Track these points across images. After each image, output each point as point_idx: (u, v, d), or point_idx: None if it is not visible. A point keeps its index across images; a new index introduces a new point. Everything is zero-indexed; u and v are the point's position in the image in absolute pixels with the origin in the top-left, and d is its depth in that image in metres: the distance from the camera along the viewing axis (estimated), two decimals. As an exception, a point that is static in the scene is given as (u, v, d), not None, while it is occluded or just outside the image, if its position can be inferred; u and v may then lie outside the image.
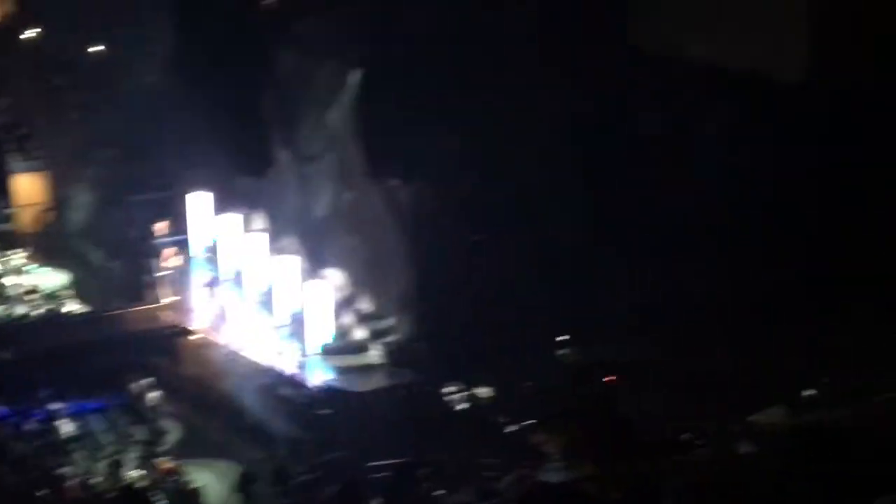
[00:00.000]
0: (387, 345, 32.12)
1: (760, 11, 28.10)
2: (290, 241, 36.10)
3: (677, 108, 28.24)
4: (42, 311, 36.76)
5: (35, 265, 39.37)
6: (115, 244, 39.17)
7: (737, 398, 23.47)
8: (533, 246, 29.62)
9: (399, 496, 15.44)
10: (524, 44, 29.21)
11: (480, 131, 28.31)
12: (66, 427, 31.93)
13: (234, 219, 36.10)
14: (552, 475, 12.59)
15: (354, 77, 31.42)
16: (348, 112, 31.99)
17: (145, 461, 30.46)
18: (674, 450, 15.93)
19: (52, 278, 38.53)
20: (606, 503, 10.26)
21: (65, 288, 37.97)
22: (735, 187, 27.86)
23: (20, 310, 36.41)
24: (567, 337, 29.14)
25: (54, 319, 36.60)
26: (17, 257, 38.91)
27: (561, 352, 29.34)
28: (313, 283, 32.59)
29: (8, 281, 37.23)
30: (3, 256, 38.42)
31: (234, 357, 34.13)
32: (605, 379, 27.80)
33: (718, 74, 27.44)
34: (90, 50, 41.54)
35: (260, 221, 36.23)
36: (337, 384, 31.33)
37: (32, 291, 37.24)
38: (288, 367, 32.23)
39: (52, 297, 37.15)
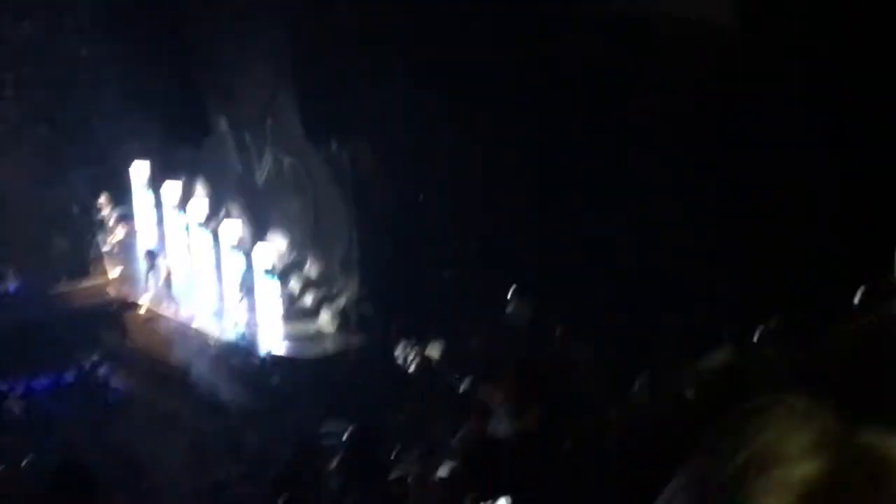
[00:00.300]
0: (334, 309, 31.92)
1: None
2: (232, 207, 35.86)
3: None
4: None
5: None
6: (57, 220, 38.72)
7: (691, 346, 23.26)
8: (479, 201, 29.44)
9: (353, 461, 15.32)
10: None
11: (421, 86, 28.00)
12: (17, 407, 31.73)
13: (175, 188, 35.84)
14: (499, 429, 12.43)
15: (290, 39, 31.06)
16: (284, 75, 31.65)
17: (94, 438, 30.35)
18: (619, 400, 15.81)
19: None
20: (551, 454, 10.11)
21: (8, 266, 37.50)
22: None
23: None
24: (515, 292, 28.97)
25: (-2, 299, 36.27)
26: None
27: (510, 308, 29.21)
28: (258, 250, 32.33)
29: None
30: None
31: (182, 329, 33.97)
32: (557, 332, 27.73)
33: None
34: (19, 24, 40.86)
35: (201, 189, 35.94)
36: (287, 352, 31.21)
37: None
38: (237, 336, 32.03)
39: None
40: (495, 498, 8.73)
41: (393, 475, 11.46)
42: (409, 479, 11.41)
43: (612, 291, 26.21)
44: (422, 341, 30.08)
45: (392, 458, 21.67)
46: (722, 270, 24.40)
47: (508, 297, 29.23)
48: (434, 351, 29.64)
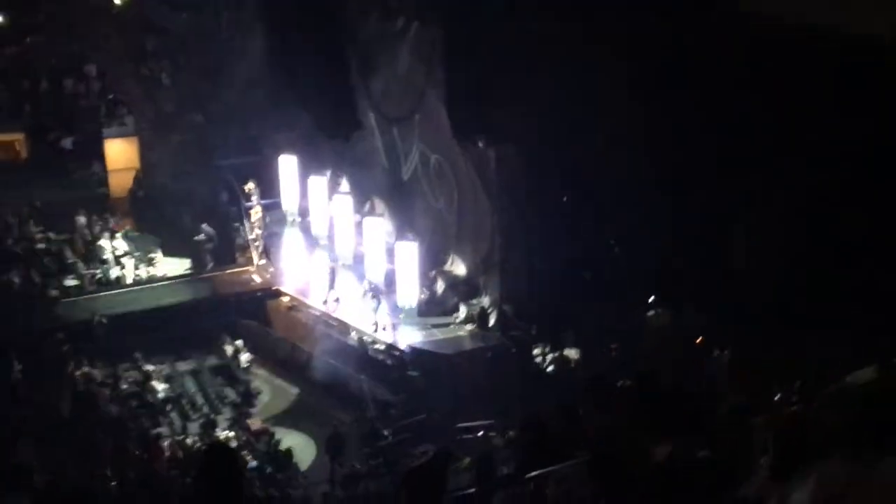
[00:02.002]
0: (474, 307, 32.09)
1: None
2: (377, 203, 36.27)
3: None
4: (135, 274, 37.18)
5: (128, 229, 39.85)
6: (206, 208, 39.53)
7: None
8: (622, 207, 29.35)
9: (486, 458, 15.35)
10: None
11: (571, 92, 27.98)
12: (161, 388, 32.45)
13: (322, 182, 36.37)
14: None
15: (441, 37, 31.26)
16: (435, 73, 31.87)
17: (237, 422, 30.95)
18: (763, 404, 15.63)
19: (144, 242, 39.00)
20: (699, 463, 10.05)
21: (157, 251, 38.38)
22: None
23: (114, 273, 36.87)
24: (655, 298, 28.90)
25: (147, 283, 37.05)
26: (111, 222, 39.36)
27: (650, 313, 29.12)
28: (402, 246, 32.62)
29: (102, 245, 37.68)
30: (97, 221, 38.87)
31: (324, 319, 34.40)
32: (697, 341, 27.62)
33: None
34: (179, 14, 41.80)
35: (347, 184, 36.41)
36: (426, 347, 31.44)
37: (125, 255, 37.68)
38: (377, 329, 32.35)
39: (143, 260, 37.58)
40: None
41: (533, 473, 11.47)
42: (550, 480, 11.41)
43: (756, 302, 26.01)
44: (560, 343, 30.15)
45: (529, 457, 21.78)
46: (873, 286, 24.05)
47: (650, 301, 29.19)
48: (572, 352, 29.69)
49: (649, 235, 28.56)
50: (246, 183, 38.40)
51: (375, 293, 32.86)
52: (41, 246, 37.25)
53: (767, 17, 24.88)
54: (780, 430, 8.42)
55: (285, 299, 36.22)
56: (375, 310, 32.52)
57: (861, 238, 24.33)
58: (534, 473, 11.49)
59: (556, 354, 29.88)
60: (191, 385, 33.60)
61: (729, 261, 27.83)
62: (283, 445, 29.29)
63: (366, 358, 31.84)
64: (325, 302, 34.68)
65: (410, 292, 32.45)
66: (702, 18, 26.72)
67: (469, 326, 31.92)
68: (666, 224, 28.04)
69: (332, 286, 34.84)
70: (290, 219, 37.53)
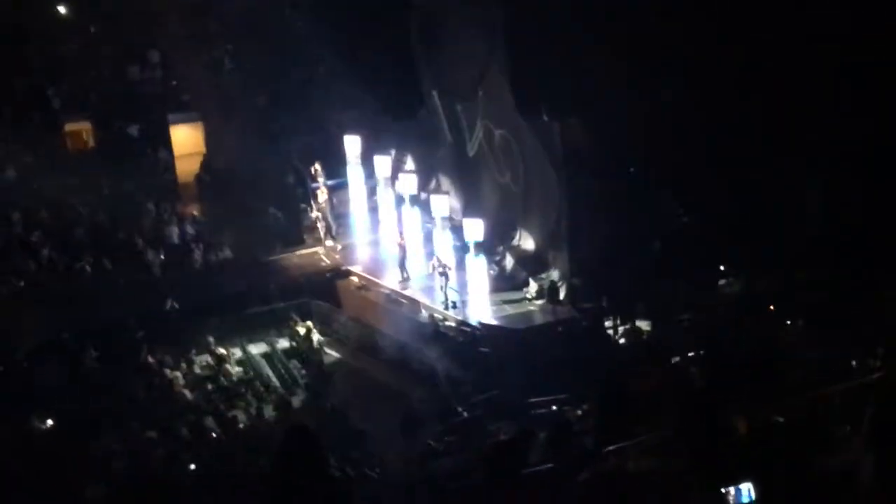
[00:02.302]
0: (544, 281, 31.98)
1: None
2: (443, 180, 36.23)
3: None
4: (204, 259, 37.38)
5: (195, 214, 40.07)
6: (272, 190, 39.66)
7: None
8: (690, 177, 29.14)
9: (562, 434, 15.29)
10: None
11: (635, 63, 27.78)
12: (234, 371, 32.62)
13: (386, 161, 36.38)
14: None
15: (501, 12, 31.12)
16: (496, 48, 31.74)
17: (311, 403, 31.04)
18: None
19: (212, 226, 39.17)
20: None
21: (225, 235, 38.52)
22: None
23: (183, 258, 37.07)
24: (726, 268, 28.73)
25: (217, 267, 37.23)
26: (178, 207, 39.60)
27: (722, 282, 28.93)
28: (469, 223, 32.54)
29: (170, 230, 37.90)
30: (165, 207, 39.11)
31: (394, 298, 34.42)
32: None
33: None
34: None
35: (411, 162, 36.39)
36: (497, 322, 31.39)
37: (194, 240, 37.86)
38: (447, 306, 32.33)
39: (212, 244, 37.74)
40: (737, 482, 8.62)
41: (610, 448, 11.39)
42: (629, 454, 11.32)
43: (829, 268, 25.78)
44: (631, 316, 30.00)
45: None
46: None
47: (720, 271, 29.02)
48: (644, 324, 29.52)
49: (719, 205, 28.36)
50: (312, 164, 38.48)
51: (444, 270, 32.80)
52: (110, 233, 37.50)
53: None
54: (880, 398, 8.27)
55: (355, 279, 36.25)
56: (444, 287, 32.48)
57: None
58: (613, 447, 11.41)
59: (628, 326, 29.74)
60: (264, 367, 33.74)
61: (801, 228, 27.55)
62: (358, 425, 29.34)
63: (437, 335, 31.81)
64: (398, 280, 34.68)
65: (478, 268, 32.41)
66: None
67: (539, 301, 31.81)
68: (736, 193, 27.83)
69: (401, 264, 34.83)
70: (357, 199, 37.67)
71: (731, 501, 8.64)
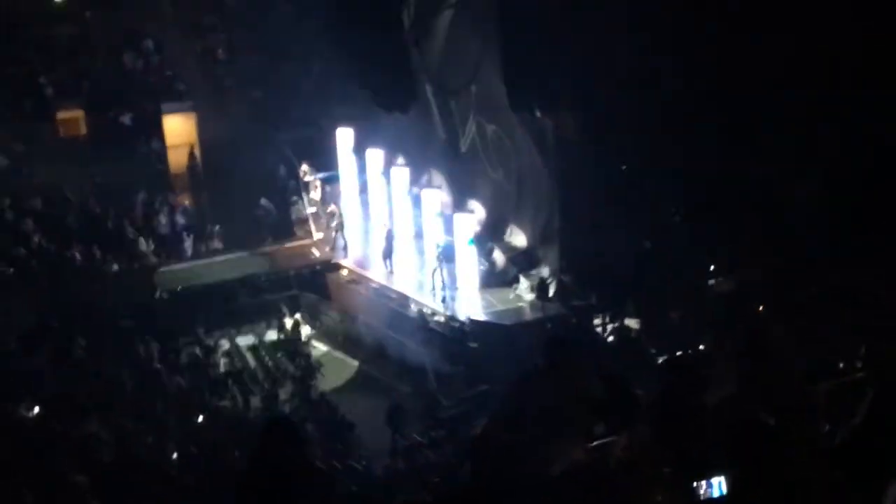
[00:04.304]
0: (534, 278, 31.96)
1: None
2: (435, 175, 36.23)
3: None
4: (193, 249, 37.39)
5: (186, 204, 40.07)
6: (264, 182, 39.68)
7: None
8: (680, 174, 29.11)
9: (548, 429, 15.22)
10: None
11: (628, 60, 27.75)
12: (222, 363, 32.62)
13: (378, 154, 36.39)
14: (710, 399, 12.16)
15: (493, 7, 31.10)
16: (491, 43, 31.71)
17: (298, 395, 31.05)
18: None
19: (203, 217, 39.21)
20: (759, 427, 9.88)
21: (215, 226, 38.53)
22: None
23: (173, 248, 37.08)
24: (715, 266, 28.72)
25: (206, 257, 37.23)
26: (170, 197, 39.61)
27: (712, 281, 28.94)
28: (460, 217, 32.55)
29: (161, 220, 37.89)
30: (156, 196, 39.13)
31: (383, 291, 34.42)
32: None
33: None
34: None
35: (403, 156, 36.38)
36: (486, 318, 31.40)
37: (184, 230, 37.87)
38: (436, 300, 32.35)
39: (202, 235, 37.73)
40: (709, 476, 8.61)
41: (595, 442, 11.36)
42: (614, 448, 11.28)
43: (818, 267, 25.76)
44: (621, 313, 29.99)
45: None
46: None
47: (710, 269, 28.99)
48: (633, 322, 29.51)
49: (710, 203, 28.34)
50: (303, 157, 38.48)
51: (440, 260, 32.80)
52: (101, 222, 37.49)
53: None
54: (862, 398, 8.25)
55: (344, 272, 36.25)
56: (436, 275, 32.55)
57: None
58: (597, 443, 11.38)
59: (617, 324, 29.74)
60: (251, 359, 33.76)
61: (791, 228, 27.53)
62: (345, 417, 29.37)
63: (426, 330, 31.81)
64: (383, 274, 34.69)
65: (469, 264, 32.43)
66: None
67: (529, 297, 31.79)
68: (726, 192, 27.81)
69: (387, 254, 34.83)
70: (347, 192, 37.65)
71: (703, 494, 8.62)
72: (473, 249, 32.44)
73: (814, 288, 25.67)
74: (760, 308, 27.06)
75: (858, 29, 24.36)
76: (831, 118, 25.58)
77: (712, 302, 28.31)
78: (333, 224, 36.85)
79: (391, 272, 34.57)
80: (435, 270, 32.71)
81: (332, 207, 37.79)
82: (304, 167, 38.33)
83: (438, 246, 32.92)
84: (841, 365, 19.54)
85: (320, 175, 38.35)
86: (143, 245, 36.71)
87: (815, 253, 26.35)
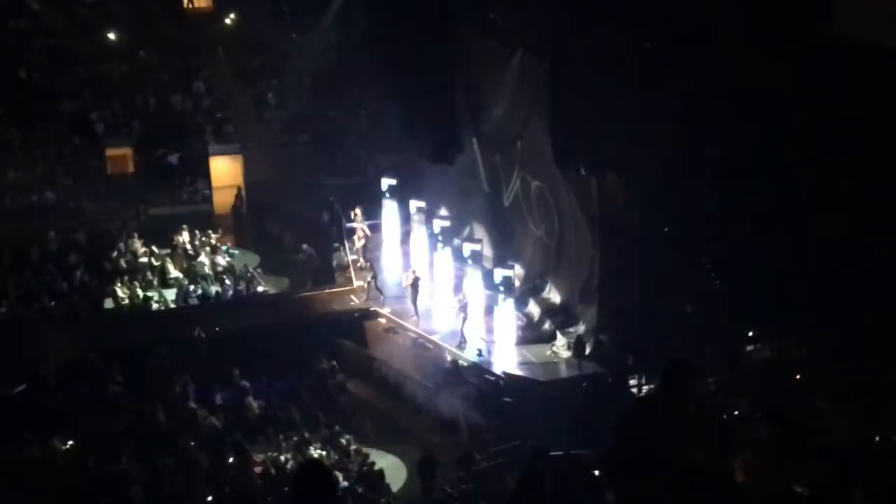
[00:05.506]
0: (571, 335, 31.93)
1: None
2: (476, 228, 36.30)
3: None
4: (235, 291, 37.47)
5: (229, 246, 40.25)
6: (307, 227, 39.85)
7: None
8: (724, 238, 29.10)
9: (577, 487, 15.29)
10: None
11: (674, 122, 27.86)
12: (256, 405, 32.63)
13: (421, 206, 36.49)
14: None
15: (544, 65, 31.26)
16: (538, 101, 31.85)
17: (330, 442, 31.01)
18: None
19: (245, 259, 39.35)
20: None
21: (257, 268, 38.65)
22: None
23: (213, 289, 37.19)
24: (754, 333, 28.62)
25: (246, 299, 37.32)
26: (213, 238, 39.73)
27: (749, 348, 28.82)
28: (500, 272, 32.58)
29: (203, 261, 38.05)
30: (199, 237, 39.30)
31: (420, 342, 34.42)
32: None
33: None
34: (289, 34, 42.41)
35: (445, 208, 36.46)
36: (521, 373, 31.36)
37: (226, 272, 38.01)
38: (473, 354, 32.34)
39: (244, 277, 37.84)
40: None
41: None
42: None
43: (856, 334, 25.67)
44: (656, 375, 29.83)
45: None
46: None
47: (750, 335, 28.88)
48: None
49: (750, 268, 28.28)
50: (348, 204, 38.62)
51: (464, 308, 32.84)
52: (144, 260, 37.73)
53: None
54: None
55: (382, 320, 36.27)
56: (462, 325, 32.60)
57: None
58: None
59: (653, 385, 29.62)
60: (286, 403, 33.74)
61: (832, 295, 27.43)
62: (376, 466, 29.32)
63: (461, 382, 31.77)
64: (422, 325, 34.69)
65: (508, 319, 32.46)
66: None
67: (565, 354, 31.75)
68: (768, 256, 27.76)
69: (415, 303, 35.02)
70: (390, 241, 37.77)
71: None
72: (514, 303, 32.49)
73: (853, 358, 25.58)
74: (798, 377, 27.06)
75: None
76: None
77: (749, 368, 28.23)
78: (369, 277, 36.89)
79: (417, 317, 34.62)
80: (465, 321, 32.79)
81: (361, 262, 37.91)
82: (357, 210, 38.36)
83: (462, 298, 33.00)
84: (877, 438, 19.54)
85: (364, 223, 38.44)
86: (185, 284, 36.87)
87: (855, 323, 26.27)
